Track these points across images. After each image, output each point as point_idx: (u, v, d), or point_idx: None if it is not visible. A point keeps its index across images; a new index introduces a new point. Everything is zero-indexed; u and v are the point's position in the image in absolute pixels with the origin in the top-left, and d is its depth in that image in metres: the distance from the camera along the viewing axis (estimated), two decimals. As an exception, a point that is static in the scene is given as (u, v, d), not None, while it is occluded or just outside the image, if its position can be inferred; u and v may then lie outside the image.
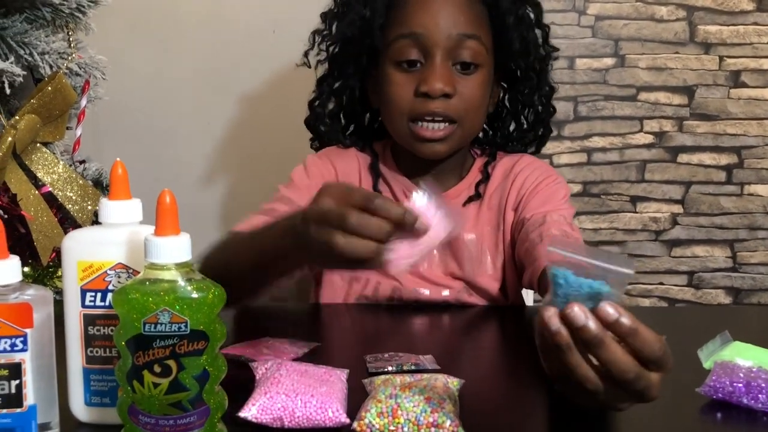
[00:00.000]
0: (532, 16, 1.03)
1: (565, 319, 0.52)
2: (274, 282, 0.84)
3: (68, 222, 1.07)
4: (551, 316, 0.52)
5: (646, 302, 1.66)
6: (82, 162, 1.18)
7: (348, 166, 1.05)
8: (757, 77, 1.59)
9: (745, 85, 1.59)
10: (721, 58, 1.58)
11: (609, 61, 1.58)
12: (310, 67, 1.10)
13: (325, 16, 1.05)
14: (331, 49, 1.05)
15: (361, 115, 1.10)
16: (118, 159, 0.61)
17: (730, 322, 0.97)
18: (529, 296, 1.31)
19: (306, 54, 1.09)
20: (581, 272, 0.52)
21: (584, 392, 0.54)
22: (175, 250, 0.54)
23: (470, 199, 1.04)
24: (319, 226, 0.63)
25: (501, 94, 1.08)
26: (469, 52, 0.96)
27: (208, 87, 1.51)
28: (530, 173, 1.03)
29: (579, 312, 0.51)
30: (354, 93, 1.06)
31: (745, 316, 1.19)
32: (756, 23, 1.57)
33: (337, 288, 1.03)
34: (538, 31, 1.04)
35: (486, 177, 1.05)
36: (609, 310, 0.51)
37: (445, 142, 0.97)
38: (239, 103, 1.51)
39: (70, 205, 1.05)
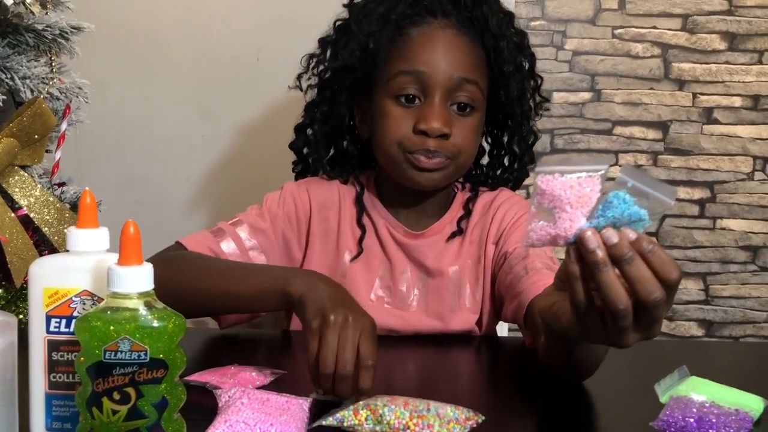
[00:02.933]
0: (527, 65, 1.05)
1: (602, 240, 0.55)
2: (236, 315, 0.89)
3: (44, 245, 1.07)
4: (590, 235, 0.55)
5: (620, 333, 1.68)
6: (61, 185, 1.19)
7: (326, 198, 1.06)
8: (729, 114, 1.63)
9: (717, 122, 1.63)
10: (694, 95, 1.62)
11: (585, 96, 1.62)
12: (302, 90, 1.11)
13: (323, 42, 1.07)
14: (323, 75, 1.07)
15: (348, 144, 1.11)
16: (87, 188, 0.62)
17: (696, 356, 0.99)
18: (503, 328, 1.33)
19: (299, 77, 1.10)
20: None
21: (608, 317, 0.56)
22: (137, 280, 0.55)
23: (453, 235, 1.05)
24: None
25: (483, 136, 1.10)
26: (468, 95, 0.97)
27: (191, 111, 1.53)
28: (509, 208, 1.05)
29: (612, 232, 0.55)
30: (343, 121, 1.07)
31: (713, 349, 1.20)
32: (728, 62, 1.61)
33: None
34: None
35: (468, 213, 1.06)
36: (630, 231, 0.55)
37: (440, 171, 0.98)
38: (222, 128, 1.53)
39: (46, 228, 1.05)
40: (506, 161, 1.10)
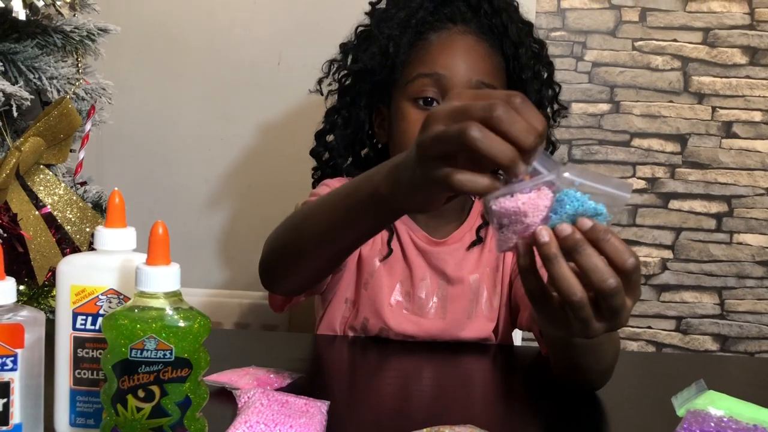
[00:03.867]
0: (545, 75, 1.06)
1: (554, 233, 0.54)
2: (347, 252, 0.82)
3: (66, 243, 1.09)
4: (541, 229, 0.55)
5: (633, 345, 1.67)
6: (83, 184, 1.21)
7: None
8: (748, 129, 1.62)
9: (736, 136, 1.62)
10: (713, 109, 1.62)
11: (604, 107, 1.62)
12: (322, 94, 1.12)
13: (344, 47, 1.08)
14: (344, 80, 1.07)
15: (368, 149, 1.12)
16: (116, 188, 0.63)
17: (711, 370, 0.98)
18: (517, 337, 1.33)
19: (320, 82, 1.11)
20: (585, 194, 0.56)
21: (567, 310, 0.56)
22: (164, 280, 0.56)
23: (473, 244, 1.05)
24: (452, 120, 0.56)
25: None
26: None
27: (211, 114, 1.55)
28: None
29: (566, 225, 0.54)
30: (363, 127, 1.08)
31: (728, 364, 1.20)
32: (748, 77, 1.60)
33: (337, 313, 1.04)
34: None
35: (485, 221, 1.07)
36: (586, 220, 0.54)
37: None
38: (241, 131, 1.55)
39: (68, 227, 1.07)
40: None
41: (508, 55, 1.01)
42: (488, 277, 1.04)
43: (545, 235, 0.54)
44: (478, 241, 1.05)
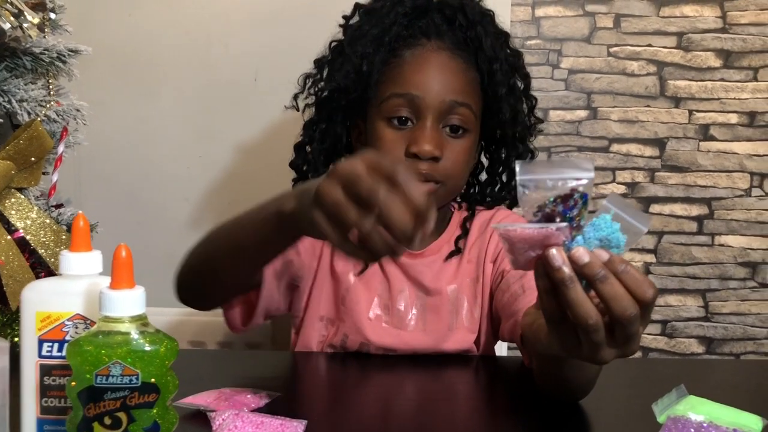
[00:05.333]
0: (521, 86, 1.06)
1: (570, 258, 0.55)
2: (254, 270, 0.84)
3: (41, 267, 1.07)
4: (555, 253, 0.55)
5: (620, 351, 1.67)
6: (59, 206, 1.20)
7: None
8: (725, 131, 1.63)
9: (714, 139, 1.63)
10: (690, 112, 1.63)
11: (582, 114, 1.62)
12: (298, 110, 1.11)
13: (319, 62, 1.07)
14: (320, 94, 1.07)
15: None
16: (80, 212, 0.62)
17: (695, 374, 0.98)
18: (503, 348, 1.32)
19: (296, 97, 1.11)
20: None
21: (580, 333, 0.56)
22: (129, 304, 0.55)
23: (451, 254, 1.05)
24: (329, 217, 0.58)
25: (481, 152, 1.11)
26: (460, 118, 0.97)
27: (189, 133, 1.54)
28: None
29: (583, 251, 0.55)
30: (340, 140, 1.07)
31: (712, 367, 1.20)
32: (723, 79, 1.62)
33: (312, 332, 1.03)
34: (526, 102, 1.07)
35: (465, 232, 1.06)
36: (602, 252, 0.56)
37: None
38: (220, 149, 1.54)
39: (42, 250, 1.05)
40: (504, 178, 1.11)
41: (482, 69, 1.01)
42: (468, 288, 1.04)
43: (558, 259, 0.55)
44: (456, 252, 1.05)
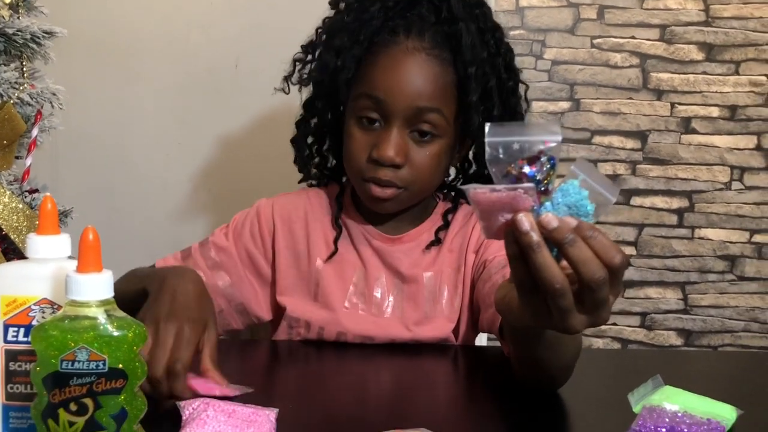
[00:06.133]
0: (511, 84, 1.01)
1: (539, 224, 0.55)
2: None
3: (13, 253, 1.05)
4: (523, 217, 0.55)
5: (599, 342, 1.67)
6: (33, 191, 1.17)
7: (291, 212, 1.05)
8: (707, 124, 1.64)
9: (695, 132, 1.64)
10: (672, 105, 1.63)
11: (565, 105, 1.62)
12: (287, 93, 1.08)
13: (307, 48, 1.06)
14: (309, 80, 1.05)
15: (329, 150, 1.10)
16: (48, 194, 0.61)
17: (672, 365, 0.98)
18: (482, 338, 1.32)
19: (286, 78, 1.08)
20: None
21: (549, 299, 0.56)
22: (96, 288, 0.54)
23: (431, 244, 1.04)
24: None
25: (470, 146, 1.07)
26: (428, 123, 0.95)
27: (168, 119, 1.52)
28: None
29: (552, 216, 0.55)
30: (325, 133, 1.07)
31: (689, 359, 1.20)
32: (705, 72, 1.62)
33: (287, 332, 1.03)
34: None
35: (446, 224, 1.05)
36: (570, 219, 0.55)
37: (393, 201, 0.98)
38: (199, 135, 1.52)
39: (14, 236, 1.03)
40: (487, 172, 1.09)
41: (459, 71, 0.96)
42: (449, 278, 1.03)
43: (525, 223, 0.55)
44: (436, 242, 1.04)
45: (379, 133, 0.95)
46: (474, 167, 1.09)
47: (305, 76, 1.05)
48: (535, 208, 0.56)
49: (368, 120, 0.96)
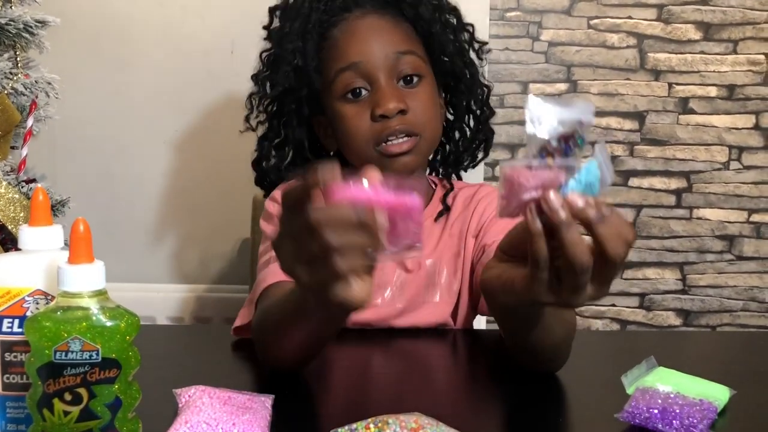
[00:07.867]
0: (454, 21, 1.07)
1: (567, 202, 0.56)
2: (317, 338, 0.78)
3: (11, 243, 1.06)
4: (554, 195, 0.56)
5: (598, 323, 1.68)
6: (31, 181, 1.18)
7: None
8: (705, 104, 1.63)
9: (693, 112, 1.63)
10: (670, 85, 1.62)
11: (562, 87, 1.61)
12: (254, 130, 1.10)
13: (257, 78, 1.06)
14: (270, 108, 1.06)
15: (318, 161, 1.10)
16: (39, 185, 0.61)
17: (669, 346, 0.99)
18: (481, 322, 1.32)
19: (247, 118, 1.09)
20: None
21: (568, 274, 0.57)
22: (88, 279, 0.54)
23: (440, 214, 1.06)
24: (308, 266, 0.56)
25: (445, 103, 1.11)
26: (409, 66, 0.99)
27: (165, 106, 1.52)
28: (490, 202, 1.06)
29: (578, 195, 0.56)
30: (302, 144, 1.07)
31: (686, 339, 1.21)
32: (703, 52, 1.61)
33: None
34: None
35: (446, 208, 1.06)
36: (589, 197, 0.57)
37: (412, 153, 0.99)
38: (196, 121, 1.52)
39: (12, 226, 1.04)
40: (471, 123, 1.11)
41: (408, 15, 1.02)
42: (448, 262, 1.04)
43: (557, 201, 0.56)
44: (440, 214, 1.05)
45: (371, 97, 0.98)
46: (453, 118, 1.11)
47: (266, 102, 1.06)
48: (562, 185, 0.57)
49: (353, 93, 0.98)
